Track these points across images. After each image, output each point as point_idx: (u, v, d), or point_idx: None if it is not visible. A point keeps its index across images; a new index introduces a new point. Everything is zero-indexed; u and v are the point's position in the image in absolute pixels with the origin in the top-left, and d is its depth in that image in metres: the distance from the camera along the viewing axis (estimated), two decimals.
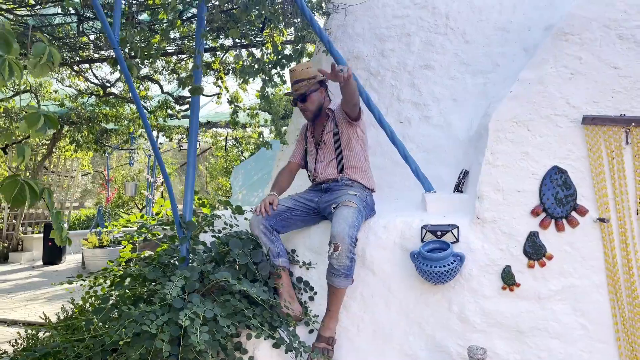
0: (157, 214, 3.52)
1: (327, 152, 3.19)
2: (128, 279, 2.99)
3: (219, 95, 6.54)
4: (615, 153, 2.73)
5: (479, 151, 3.08)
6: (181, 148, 11.93)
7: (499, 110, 2.92)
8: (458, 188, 3.34)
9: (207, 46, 6.32)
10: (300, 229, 3.24)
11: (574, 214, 2.75)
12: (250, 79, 4.10)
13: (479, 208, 2.88)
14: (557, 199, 2.75)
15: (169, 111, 7.48)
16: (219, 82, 5.98)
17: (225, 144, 13.19)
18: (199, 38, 3.08)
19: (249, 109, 7.94)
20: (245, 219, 3.61)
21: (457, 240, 2.88)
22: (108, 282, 3.08)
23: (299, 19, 4.05)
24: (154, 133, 10.88)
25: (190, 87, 3.09)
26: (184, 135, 11.21)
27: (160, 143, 11.25)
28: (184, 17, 4.89)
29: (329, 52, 3.56)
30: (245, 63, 3.92)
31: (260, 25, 4.54)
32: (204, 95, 8.01)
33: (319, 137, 3.26)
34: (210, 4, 3.36)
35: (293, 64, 4.23)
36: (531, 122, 2.87)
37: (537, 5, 3.95)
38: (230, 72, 6.65)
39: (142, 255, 3.25)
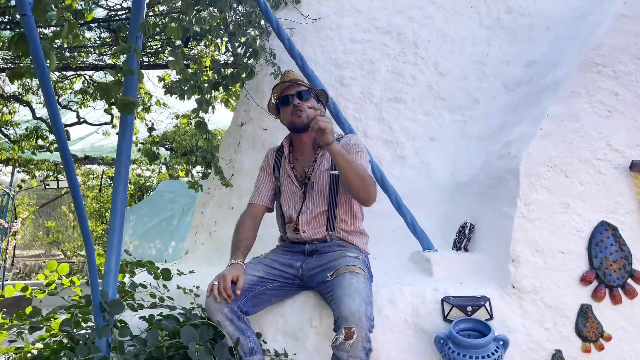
0: (48, 285, 2.38)
1: (317, 201, 2.33)
2: None
3: (111, 124, 5.35)
4: None
5: (498, 200, 2.48)
6: (46, 187, 10.03)
7: (529, 151, 2.36)
8: (459, 245, 2.71)
9: (102, 63, 5.17)
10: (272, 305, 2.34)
11: (630, 281, 2.23)
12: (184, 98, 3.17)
13: (514, 274, 2.25)
14: (610, 263, 2.22)
15: (40, 141, 6.03)
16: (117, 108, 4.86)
17: (100, 183, 11.49)
18: (136, 31, 2.13)
19: (142, 143, 6.81)
20: (179, 287, 2.64)
21: (491, 317, 2.20)
22: None
23: (250, 31, 3.25)
24: (10, 167, 9.01)
25: (118, 101, 2.08)
26: (52, 172, 9.45)
27: (23, 180, 9.34)
28: (82, 22, 3.80)
29: (289, 52, 2.84)
30: (174, 78, 2.99)
31: (186, 37, 3.66)
32: (89, 124, 6.68)
33: (306, 173, 2.38)
34: None
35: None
36: (569, 167, 2.35)
37: (513, 39, 3.59)
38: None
39: (27, 351, 2.09)
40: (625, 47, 2.48)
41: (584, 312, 2.18)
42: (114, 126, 5.35)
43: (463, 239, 2.69)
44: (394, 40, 3.68)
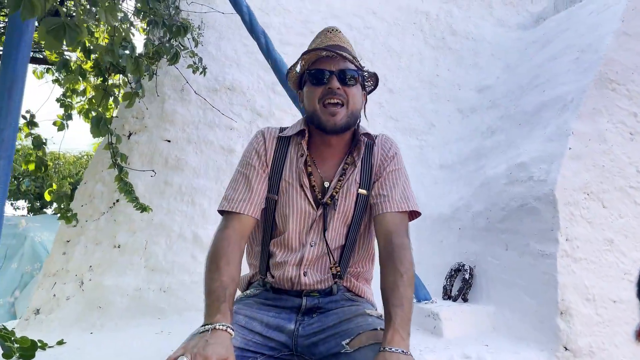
0: None
1: (336, 230, 1.48)
2: None
3: None
4: None
5: (520, 235, 1.96)
6: None
7: (562, 173, 1.91)
8: (454, 294, 2.13)
9: None
10: None
11: None
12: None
13: (567, 332, 1.71)
14: None
15: None
16: None
17: None
18: None
19: None
20: None
21: None
22: None
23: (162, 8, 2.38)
24: None
25: None
26: None
27: None
28: None
29: (249, 29, 2.07)
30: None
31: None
32: None
33: (327, 189, 1.48)
34: None
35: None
36: (605, 195, 1.94)
37: (460, 62, 3.26)
38: None
39: None
40: (634, 67, 2.22)
41: None
42: None
43: (463, 286, 2.11)
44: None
